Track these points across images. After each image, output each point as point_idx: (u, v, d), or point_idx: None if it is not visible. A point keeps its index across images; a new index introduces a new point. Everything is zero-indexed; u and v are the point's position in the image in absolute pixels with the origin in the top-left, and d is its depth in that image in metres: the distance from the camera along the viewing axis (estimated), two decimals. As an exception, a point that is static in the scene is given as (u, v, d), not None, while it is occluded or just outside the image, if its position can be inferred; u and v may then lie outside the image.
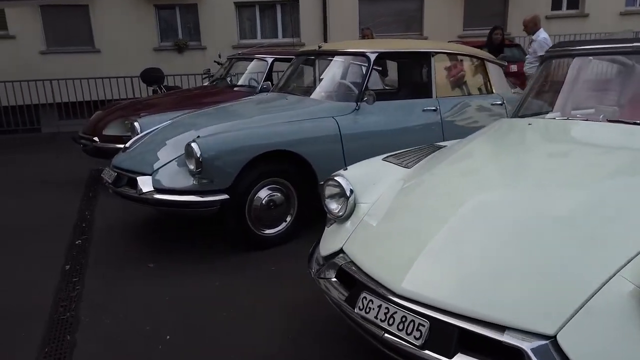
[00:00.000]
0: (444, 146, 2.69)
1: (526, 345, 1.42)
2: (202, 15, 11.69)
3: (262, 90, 5.54)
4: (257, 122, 3.59)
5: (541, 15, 11.97)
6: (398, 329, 1.64)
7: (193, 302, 2.92)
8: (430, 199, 2.05)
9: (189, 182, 3.26)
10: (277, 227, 3.58)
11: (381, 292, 1.76)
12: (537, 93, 2.93)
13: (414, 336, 1.60)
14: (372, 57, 3.94)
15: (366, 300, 1.78)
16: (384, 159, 2.53)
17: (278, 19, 12.23)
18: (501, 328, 1.48)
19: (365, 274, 1.88)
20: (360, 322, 1.78)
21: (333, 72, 4.20)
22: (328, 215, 2.40)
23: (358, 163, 2.55)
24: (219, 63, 8.43)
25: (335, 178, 2.36)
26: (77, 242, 3.90)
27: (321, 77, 4.24)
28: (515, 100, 4.67)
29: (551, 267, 1.55)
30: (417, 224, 1.94)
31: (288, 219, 3.61)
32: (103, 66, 10.77)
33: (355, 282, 1.92)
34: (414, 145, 4.00)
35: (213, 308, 2.83)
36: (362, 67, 4.02)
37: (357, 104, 3.83)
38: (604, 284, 1.45)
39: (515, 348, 1.43)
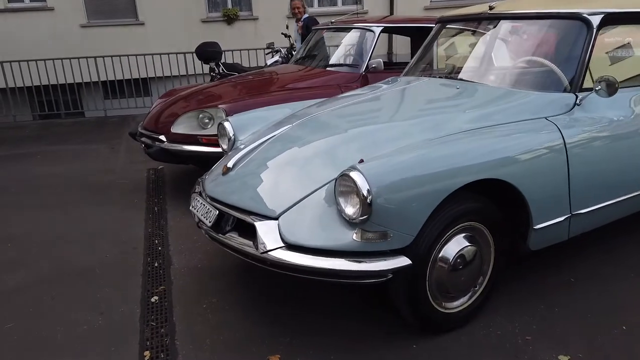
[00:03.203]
0: None
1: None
2: (254, -18, 10.21)
3: (371, 70, 4.13)
4: (435, 132, 2.19)
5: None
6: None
7: None
8: None
9: (345, 237, 1.91)
10: (464, 296, 2.23)
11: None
12: None
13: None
14: (595, 20, 2.45)
15: None
16: None
17: (337, -15, 10.60)
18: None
19: None
20: None
21: (520, 45, 2.72)
22: None
23: None
24: (286, 35, 7.01)
25: None
26: (152, 300, 2.64)
27: (500, 54, 2.77)
28: None
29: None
30: None
31: (479, 282, 2.25)
32: (147, 39, 9.45)
33: None
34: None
35: None
36: (572, 36, 2.54)
37: (576, 97, 2.38)
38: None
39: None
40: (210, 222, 2.24)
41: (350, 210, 1.90)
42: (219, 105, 3.78)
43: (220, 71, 7.00)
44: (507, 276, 2.53)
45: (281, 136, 2.49)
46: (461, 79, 2.74)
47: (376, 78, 4.15)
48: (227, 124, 2.96)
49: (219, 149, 3.59)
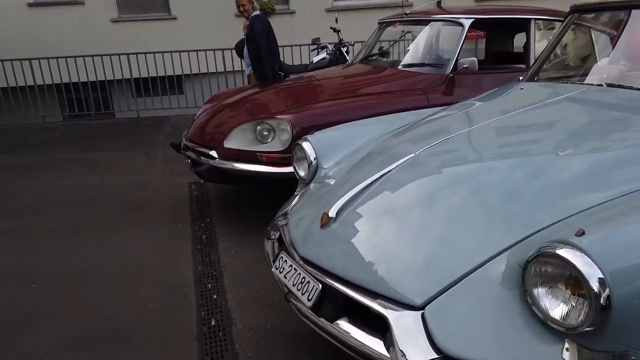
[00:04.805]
0: None
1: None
2: (291, -26, 9.47)
3: (460, 71, 3.34)
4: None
5: None
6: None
7: None
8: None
9: (548, 354, 1.17)
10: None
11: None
12: None
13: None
14: None
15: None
16: None
17: (380, -24, 9.77)
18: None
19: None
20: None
21: None
22: None
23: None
24: (335, 30, 6.25)
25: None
26: (215, 385, 1.96)
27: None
28: None
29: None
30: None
31: None
32: (180, 35, 8.82)
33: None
34: None
35: None
36: None
37: None
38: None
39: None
40: (310, 299, 1.52)
41: (561, 312, 1.15)
42: (280, 116, 3.06)
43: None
44: None
45: (396, 177, 1.70)
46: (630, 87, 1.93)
47: (465, 81, 3.39)
48: (306, 145, 2.24)
49: (285, 169, 2.91)
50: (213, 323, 2.34)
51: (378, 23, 4.27)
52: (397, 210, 1.56)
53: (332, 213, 1.64)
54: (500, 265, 1.31)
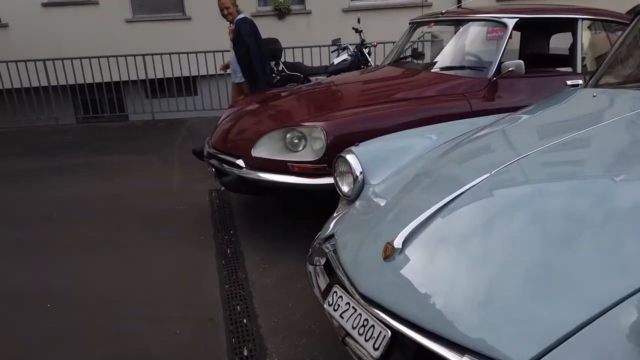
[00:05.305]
0: None
1: None
2: (308, -27, 9.24)
3: (504, 75, 3.08)
4: None
5: None
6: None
7: None
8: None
9: None
10: None
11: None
12: None
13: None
14: None
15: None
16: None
17: (398, -25, 9.49)
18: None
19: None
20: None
21: None
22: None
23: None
24: (357, 30, 6.01)
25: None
26: None
27: None
28: None
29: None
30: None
31: None
32: (194, 35, 8.62)
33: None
34: None
35: None
36: None
37: None
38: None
39: None
40: (377, 348, 1.28)
41: None
42: (312, 123, 2.81)
43: (280, 70, 6.09)
44: None
45: (471, 203, 1.43)
46: None
47: (509, 85, 3.13)
48: (351, 158, 1.99)
49: (318, 181, 2.68)
50: (245, 353, 2.10)
51: (409, 23, 4.01)
52: (481, 245, 1.31)
53: (397, 243, 1.39)
54: (616, 322, 1.06)
